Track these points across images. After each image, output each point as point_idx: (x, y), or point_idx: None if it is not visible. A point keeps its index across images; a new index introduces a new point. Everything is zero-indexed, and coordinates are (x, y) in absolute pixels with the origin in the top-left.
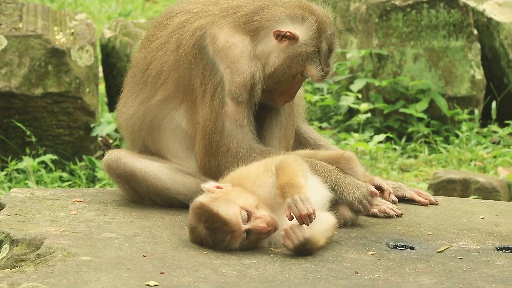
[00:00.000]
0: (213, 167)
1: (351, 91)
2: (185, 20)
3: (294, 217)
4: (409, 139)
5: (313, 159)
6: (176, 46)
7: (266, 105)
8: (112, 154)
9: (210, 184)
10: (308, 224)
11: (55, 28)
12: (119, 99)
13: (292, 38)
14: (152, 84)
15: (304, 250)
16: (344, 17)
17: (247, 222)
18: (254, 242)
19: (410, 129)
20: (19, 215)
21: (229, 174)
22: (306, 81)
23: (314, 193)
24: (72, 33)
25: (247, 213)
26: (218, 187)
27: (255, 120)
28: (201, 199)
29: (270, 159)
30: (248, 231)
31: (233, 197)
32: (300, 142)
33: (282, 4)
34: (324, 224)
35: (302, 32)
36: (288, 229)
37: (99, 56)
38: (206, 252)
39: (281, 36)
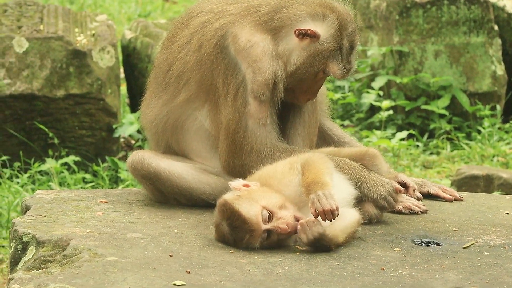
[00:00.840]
0: (237, 166)
1: (372, 88)
2: (206, 20)
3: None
4: (431, 135)
5: (337, 156)
6: (197, 46)
7: (289, 104)
8: (136, 155)
9: (237, 182)
10: (331, 220)
11: (76, 30)
12: (142, 101)
13: (314, 36)
14: (175, 85)
15: (320, 245)
16: (364, 15)
17: (268, 222)
18: (276, 241)
19: (432, 126)
20: (45, 216)
21: (256, 173)
22: (328, 79)
23: (339, 190)
24: (93, 35)
25: (269, 213)
26: (245, 185)
27: (278, 118)
28: (226, 196)
29: (295, 158)
30: (268, 231)
31: (257, 196)
32: (324, 139)
33: (303, 2)
34: (345, 220)
35: (323, 29)
36: (304, 223)
37: (120, 57)
38: (232, 251)
39: (302, 34)
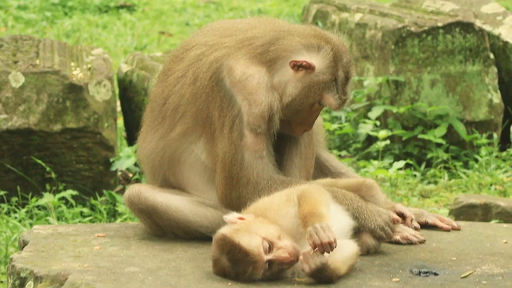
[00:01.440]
0: (234, 198)
1: (369, 118)
2: (201, 53)
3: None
4: (429, 165)
5: (334, 187)
6: (193, 79)
7: (285, 135)
8: (133, 189)
9: (232, 216)
10: (329, 252)
11: (72, 64)
12: (139, 134)
13: (309, 67)
14: (171, 118)
15: (323, 276)
16: (360, 45)
17: (269, 252)
18: (276, 272)
19: (429, 155)
20: (42, 251)
21: (251, 205)
22: (324, 110)
23: (336, 221)
24: (89, 68)
25: (269, 244)
26: (240, 218)
27: (274, 150)
28: (223, 230)
29: (292, 189)
30: (270, 262)
31: (255, 228)
32: (321, 170)
33: (298, 33)
34: (345, 252)
35: (318, 61)
36: (306, 253)
37: (117, 91)
38: (230, 284)
39: (297, 66)
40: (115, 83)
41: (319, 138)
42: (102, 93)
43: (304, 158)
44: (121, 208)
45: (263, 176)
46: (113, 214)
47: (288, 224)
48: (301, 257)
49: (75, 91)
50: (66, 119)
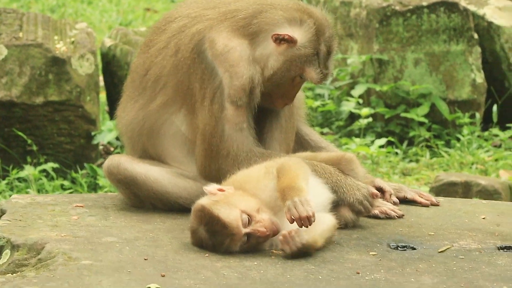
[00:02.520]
0: (214, 170)
1: (352, 96)
2: (184, 25)
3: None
4: (411, 143)
5: (313, 161)
6: (174, 51)
7: (266, 108)
8: (112, 160)
9: (212, 187)
10: (307, 226)
11: (56, 37)
12: (118, 105)
13: (291, 41)
14: (151, 89)
15: (302, 253)
16: (344, 23)
17: (247, 225)
18: (254, 245)
19: (411, 134)
20: (20, 220)
21: (230, 177)
22: (308, 86)
23: (315, 195)
24: (73, 42)
25: (248, 217)
26: (220, 190)
27: (255, 123)
28: (202, 201)
29: (271, 162)
30: (248, 235)
31: (234, 200)
32: (301, 144)
33: (281, 7)
34: (323, 225)
35: (300, 34)
36: (286, 235)
37: (100, 65)
38: (207, 255)
39: (279, 39)
40: (98, 57)
41: (300, 112)
42: (85, 67)
43: (284, 132)
44: (102, 181)
45: (243, 149)
46: (93, 188)
47: (267, 197)
48: (280, 238)
49: (58, 64)
50: (48, 92)
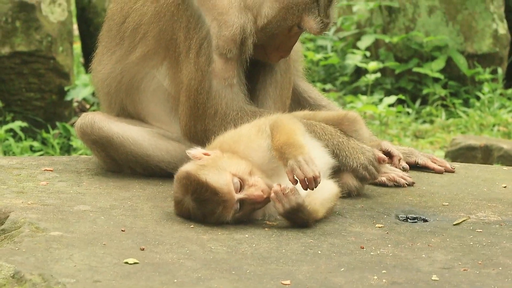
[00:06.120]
0: (199, 131)
1: (358, 48)
2: None
3: (298, 181)
4: (424, 102)
5: (312, 120)
6: None
7: (259, 62)
8: (86, 118)
9: (196, 151)
10: (313, 189)
11: None
12: (93, 57)
13: None
14: (130, 39)
15: (298, 218)
16: None
17: (240, 190)
18: (248, 213)
19: (425, 91)
20: None
21: (217, 139)
22: (307, 36)
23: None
24: None
25: (240, 181)
26: (205, 154)
27: (246, 78)
28: (187, 167)
29: (263, 119)
30: (241, 201)
31: (224, 164)
32: (298, 101)
33: None
34: (324, 193)
35: None
36: (279, 190)
37: (74, 11)
38: (192, 226)
39: None
40: (72, 2)
41: (297, 67)
42: (56, 13)
43: (279, 88)
44: (76, 143)
45: (232, 107)
46: (67, 150)
47: (260, 159)
48: (273, 195)
49: (26, 10)
50: (15, 41)
